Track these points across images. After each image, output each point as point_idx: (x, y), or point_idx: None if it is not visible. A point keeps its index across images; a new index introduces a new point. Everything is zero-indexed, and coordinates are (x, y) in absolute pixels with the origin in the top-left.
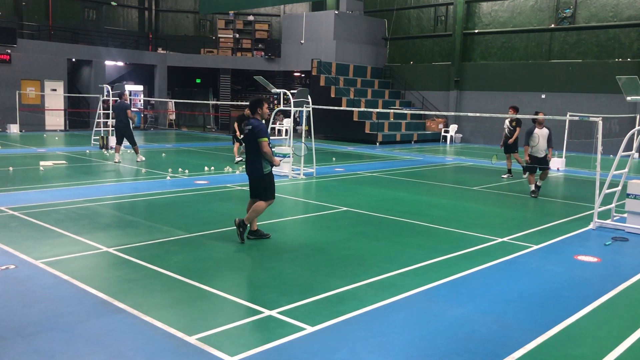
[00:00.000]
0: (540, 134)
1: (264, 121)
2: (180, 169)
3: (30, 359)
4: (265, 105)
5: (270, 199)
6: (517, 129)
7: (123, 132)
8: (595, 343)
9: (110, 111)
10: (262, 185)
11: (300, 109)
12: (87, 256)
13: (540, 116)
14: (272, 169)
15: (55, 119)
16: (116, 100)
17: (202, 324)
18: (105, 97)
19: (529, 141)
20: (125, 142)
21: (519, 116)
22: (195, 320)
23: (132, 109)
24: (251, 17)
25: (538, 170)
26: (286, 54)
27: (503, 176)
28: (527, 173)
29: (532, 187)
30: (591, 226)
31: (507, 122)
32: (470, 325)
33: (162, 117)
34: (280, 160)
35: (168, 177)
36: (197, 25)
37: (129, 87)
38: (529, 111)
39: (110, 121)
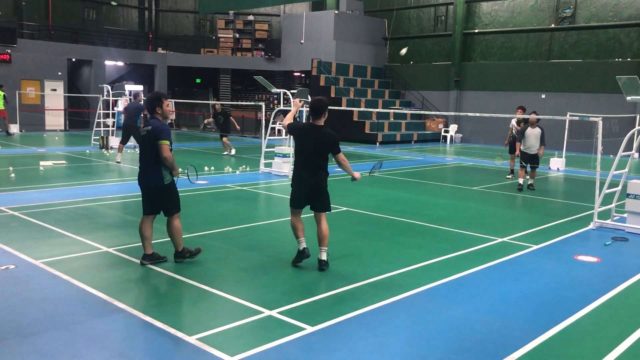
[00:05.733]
0: (532, 133)
1: (168, 122)
2: (180, 169)
3: (30, 359)
4: (166, 103)
5: (177, 211)
6: None
7: (132, 131)
8: (595, 343)
9: (115, 110)
10: (166, 197)
11: (300, 108)
12: (87, 256)
13: (532, 116)
14: (174, 180)
15: (55, 119)
16: (130, 100)
17: (202, 324)
18: (105, 97)
19: (521, 139)
20: (128, 143)
21: (525, 116)
22: (195, 320)
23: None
24: (251, 17)
25: (528, 168)
26: (286, 54)
27: (508, 177)
28: (517, 169)
29: (520, 181)
30: (591, 226)
31: (513, 122)
32: (470, 325)
33: None
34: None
35: None
36: (197, 25)
37: (128, 87)
38: (528, 111)
39: (111, 120)
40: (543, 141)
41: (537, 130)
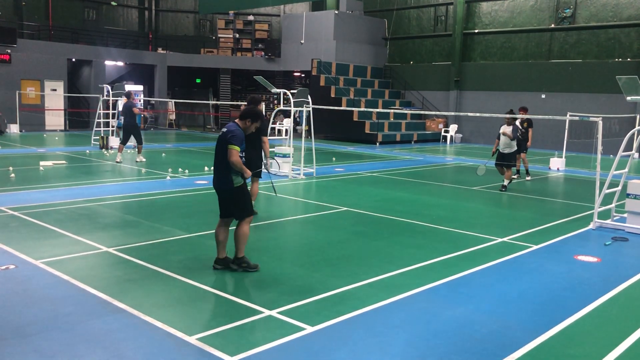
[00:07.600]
0: (505, 131)
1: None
2: (180, 169)
3: (30, 359)
4: (253, 125)
5: (247, 215)
6: (530, 129)
7: (132, 131)
8: (595, 343)
9: (116, 110)
10: (235, 201)
11: (300, 109)
12: (87, 256)
13: (508, 115)
14: (245, 181)
15: (55, 119)
16: (128, 99)
17: (202, 324)
18: (105, 97)
19: (499, 136)
20: (127, 143)
21: (528, 116)
22: (195, 320)
23: (137, 107)
24: (251, 17)
25: (489, 163)
26: (286, 54)
27: (514, 177)
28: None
29: (505, 182)
30: (591, 226)
31: (517, 123)
32: (470, 325)
33: (162, 117)
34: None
35: (168, 177)
36: (197, 25)
37: (128, 87)
38: (529, 111)
39: (111, 121)
40: (513, 139)
41: (509, 129)
